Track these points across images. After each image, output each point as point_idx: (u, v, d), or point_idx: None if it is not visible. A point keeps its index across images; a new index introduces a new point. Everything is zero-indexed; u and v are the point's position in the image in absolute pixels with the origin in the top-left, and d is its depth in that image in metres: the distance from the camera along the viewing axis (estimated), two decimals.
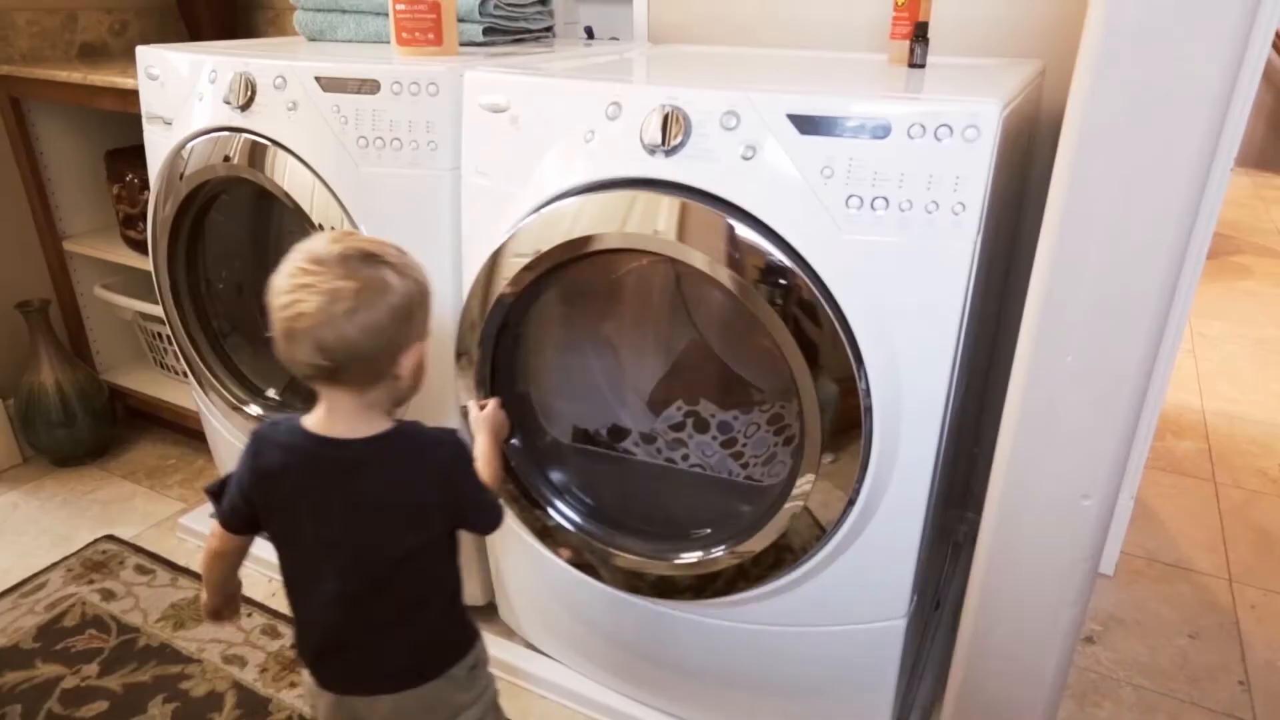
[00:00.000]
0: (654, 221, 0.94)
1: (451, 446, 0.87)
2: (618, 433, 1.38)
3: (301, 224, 1.23)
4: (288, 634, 1.44)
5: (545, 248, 1.01)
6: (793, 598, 1.05)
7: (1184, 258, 0.72)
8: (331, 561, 0.84)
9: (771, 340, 0.93)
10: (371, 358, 0.79)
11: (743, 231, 0.90)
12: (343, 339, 0.76)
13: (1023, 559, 0.86)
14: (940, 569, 1.46)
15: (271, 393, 1.47)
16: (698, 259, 0.93)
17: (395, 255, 0.81)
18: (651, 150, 0.93)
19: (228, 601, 0.96)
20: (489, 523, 0.90)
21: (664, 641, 1.21)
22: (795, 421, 0.97)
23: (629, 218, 0.95)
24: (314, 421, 0.83)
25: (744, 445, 1.37)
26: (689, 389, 1.46)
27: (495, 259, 1.06)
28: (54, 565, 1.60)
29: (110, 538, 1.67)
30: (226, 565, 0.93)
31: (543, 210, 1.01)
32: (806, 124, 0.86)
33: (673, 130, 0.91)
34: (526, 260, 1.03)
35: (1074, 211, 0.74)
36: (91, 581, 1.55)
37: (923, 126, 0.82)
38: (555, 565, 1.25)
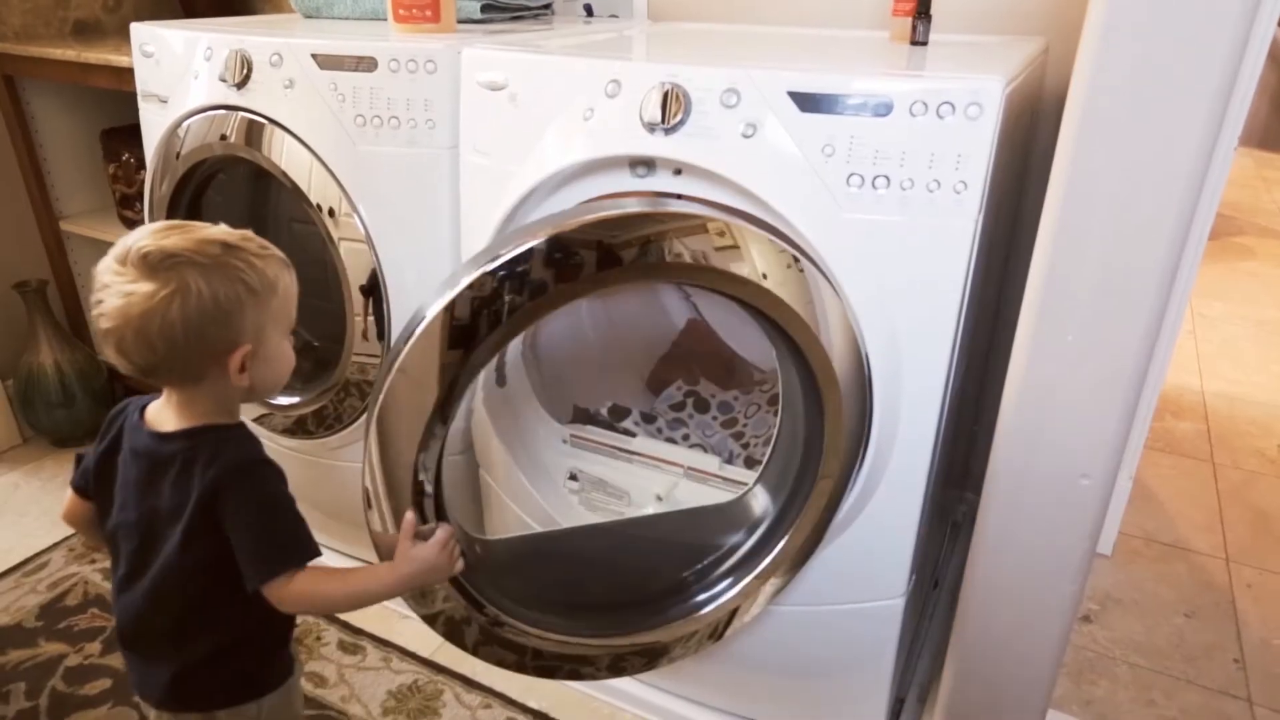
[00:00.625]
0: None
1: (229, 472, 0.78)
2: (618, 412, 1.38)
3: (299, 203, 1.22)
4: None
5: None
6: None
7: (1186, 237, 0.72)
8: (125, 555, 0.82)
9: (771, 320, 0.92)
10: (178, 362, 0.76)
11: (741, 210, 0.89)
12: (139, 344, 0.74)
13: (1022, 538, 0.86)
14: (939, 549, 1.46)
15: None
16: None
17: (212, 255, 0.76)
18: (651, 128, 0.92)
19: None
20: (250, 575, 0.78)
21: None
22: (794, 397, 0.97)
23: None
24: (154, 406, 0.83)
25: (744, 425, 1.37)
26: (689, 369, 1.46)
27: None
28: (55, 545, 1.60)
29: None
30: (80, 528, 0.90)
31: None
32: (807, 102, 0.85)
33: (672, 108, 0.90)
34: None
35: (1077, 190, 0.74)
36: (93, 561, 1.56)
37: (925, 104, 0.82)
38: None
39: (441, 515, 0.96)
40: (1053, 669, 0.92)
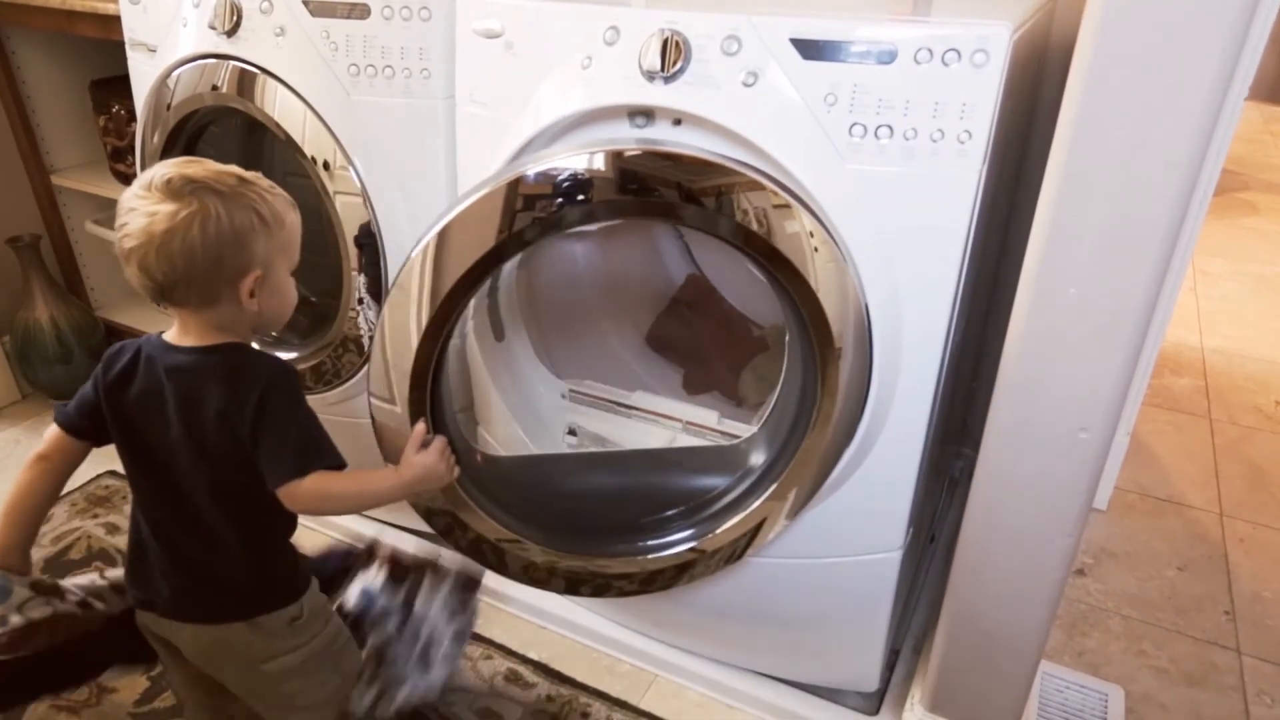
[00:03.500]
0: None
1: (267, 377, 0.84)
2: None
3: (293, 156, 1.21)
4: None
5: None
6: (791, 530, 1.06)
7: (1193, 190, 0.71)
8: (153, 469, 0.86)
9: (771, 270, 0.92)
10: (196, 280, 0.81)
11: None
12: (161, 260, 0.79)
13: (1019, 489, 0.86)
14: (935, 504, 1.47)
15: None
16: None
17: (230, 185, 0.81)
18: (650, 76, 0.90)
19: (20, 540, 0.89)
20: (273, 476, 0.83)
21: None
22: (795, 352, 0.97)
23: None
24: (170, 334, 0.86)
25: (738, 377, 1.37)
26: (688, 325, 1.46)
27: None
28: (58, 500, 1.61)
29: (112, 473, 1.68)
30: (46, 477, 0.89)
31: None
32: (810, 49, 0.84)
33: (672, 56, 0.88)
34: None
35: (1083, 140, 0.72)
36: (95, 516, 1.57)
37: (930, 51, 0.80)
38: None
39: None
40: (1047, 621, 0.93)
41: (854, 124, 0.84)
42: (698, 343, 1.45)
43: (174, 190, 0.79)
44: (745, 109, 0.86)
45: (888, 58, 0.81)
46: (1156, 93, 0.68)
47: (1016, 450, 0.85)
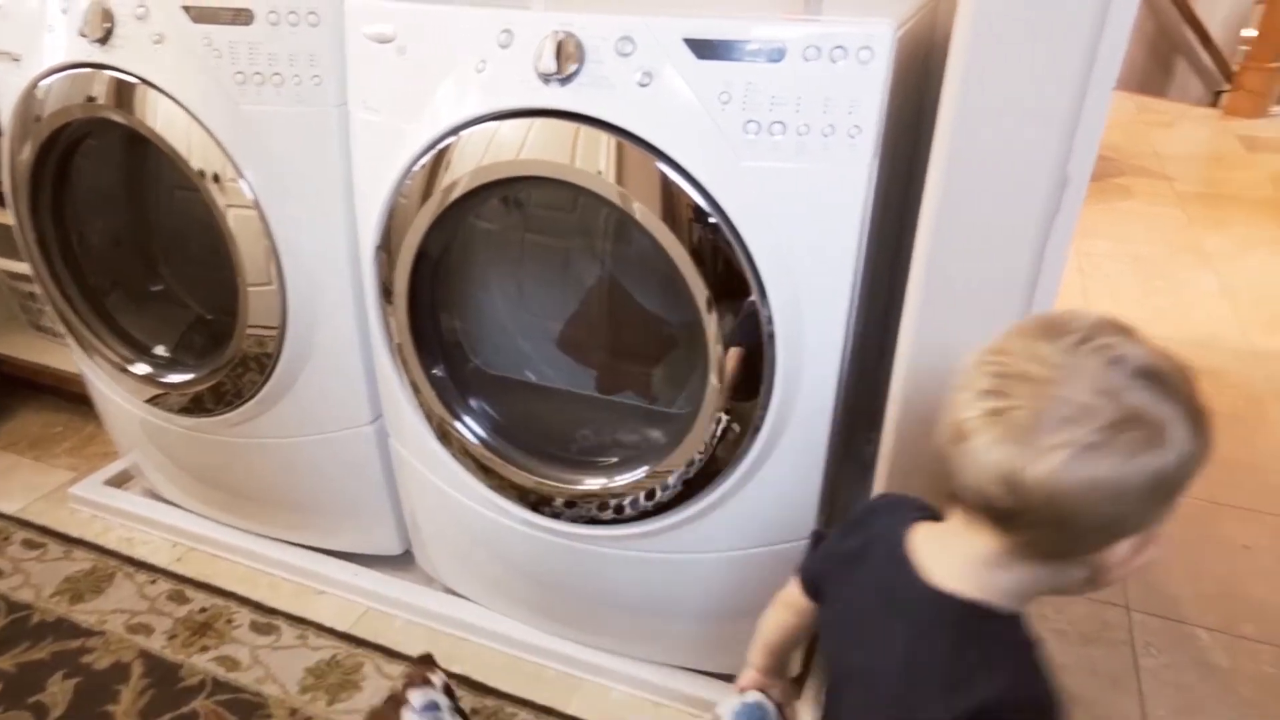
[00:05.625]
0: (556, 151, 0.92)
1: (1026, 707, 0.58)
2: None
3: (180, 170, 1.15)
4: (196, 598, 1.39)
5: (454, 177, 0.98)
6: (702, 525, 1.07)
7: (1063, 178, 0.74)
8: (846, 696, 0.67)
9: (675, 270, 0.93)
10: (1076, 527, 0.54)
11: (639, 159, 0.89)
12: (1050, 484, 0.52)
13: (920, 471, 0.90)
14: (850, 488, 1.51)
15: (161, 350, 1.40)
16: (598, 186, 0.92)
17: (1191, 390, 0.55)
18: (546, 79, 0.90)
19: (775, 675, 0.83)
20: None
21: (582, 576, 1.22)
22: (702, 351, 0.98)
23: (525, 147, 0.93)
24: (922, 540, 0.63)
25: (654, 374, 1.38)
26: (599, 326, 1.46)
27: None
28: None
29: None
30: (785, 623, 0.80)
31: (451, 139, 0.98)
32: (704, 48, 0.85)
33: (567, 57, 0.88)
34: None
35: (960, 134, 0.76)
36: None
37: (818, 49, 0.82)
38: (470, 508, 1.25)
39: None
40: None
41: (748, 121, 0.85)
42: (609, 343, 1.45)
43: (1117, 378, 0.54)
44: (641, 109, 0.87)
45: (778, 56, 0.83)
46: (1024, 86, 0.72)
47: (919, 428, 0.88)
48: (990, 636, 0.59)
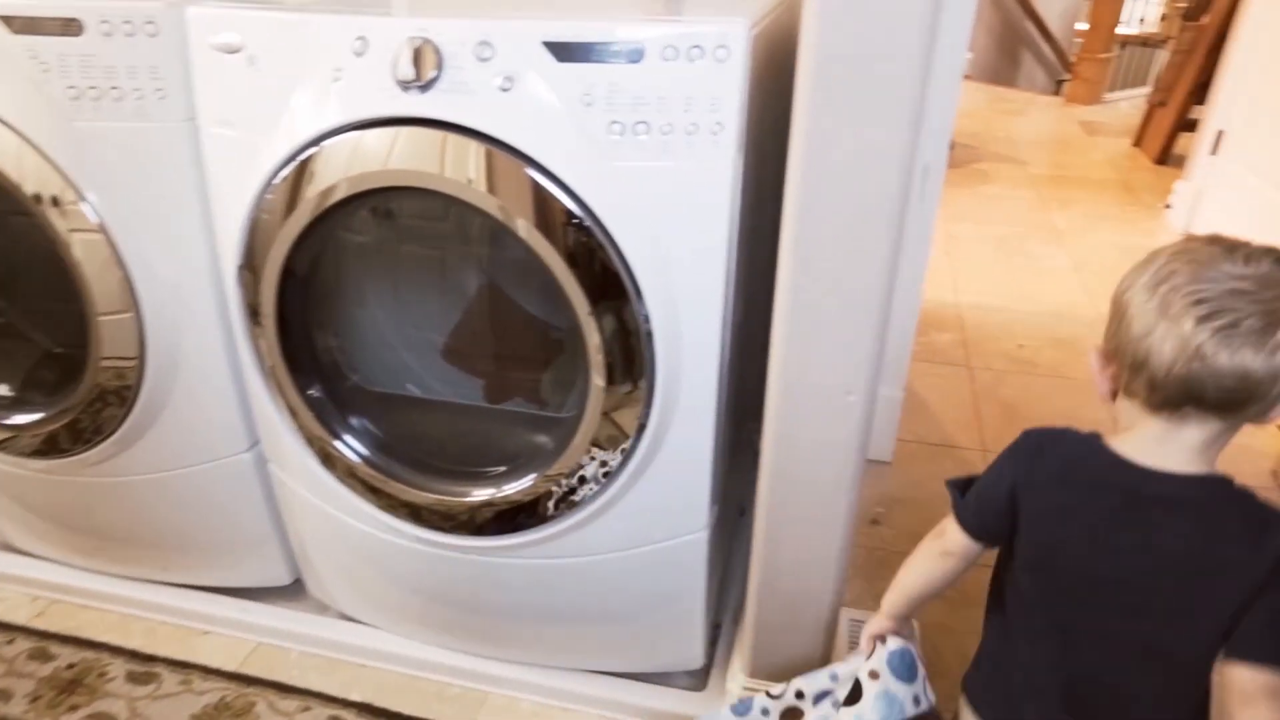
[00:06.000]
0: (424, 160, 0.90)
1: (1273, 515, 0.68)
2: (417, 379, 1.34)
3: (11, 196, 1.07)
4: (62, 653, 1.30)
5: (317, 190, 0.95)
6: (597, 527, 1.08)
7: (912, 164, 0.78)
8: (1085, 604, 0.72)
9: (551, 274, 0.93)
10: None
11: (507, 165, 0.88)
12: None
13: (801, 454, 0.93)
14: (743, 478, 1.55)
15: (3, 389, 1.30)
16: (469, 196, 0.91)
17: None
18: (405, 86, 0.88)
19: (905, 620, 0.87)
20: (1251, 649, 0.67)
21: (479, 588, 1.21)
22: (584, 353, 0.98)
23: (392, 156, 0.91)
24: (1130, 449, 0.70)
25: (542, 379, 1.37)
26: (484, 334, 1.44)
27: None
28: None
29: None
30: (944, 571, 0.83)
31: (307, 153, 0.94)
32: (563, 51, 0.85)
33: (425, 64, 0.86)
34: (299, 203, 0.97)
35: (814, 126, 0.78)
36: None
37: (675, 49, 0.83)
38: (360, 530, 1.21)
39: None
40: (840, 573, 1.01)
41: (613, 122, 0.86)
42: (495, 351, 1.43)
43: None
44: (505, 114, 0.87)
45: (637, 56, 0.84)
46: (868, 82, 0.75)
47: (793, 417, 0.91)
48: (1240, 497, 0.69)
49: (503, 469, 1.11)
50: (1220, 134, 2.89)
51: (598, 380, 0.97)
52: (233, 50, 0.95)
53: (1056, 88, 5.22)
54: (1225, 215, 2.65)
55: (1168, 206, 3.24)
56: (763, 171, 1.05)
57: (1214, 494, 0.69)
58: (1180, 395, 0.66)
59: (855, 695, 0.85)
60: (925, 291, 2.07)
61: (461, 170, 0.91)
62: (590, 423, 1.00)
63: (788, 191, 0.82)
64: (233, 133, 1.00)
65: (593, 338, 0.95)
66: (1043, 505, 0.74)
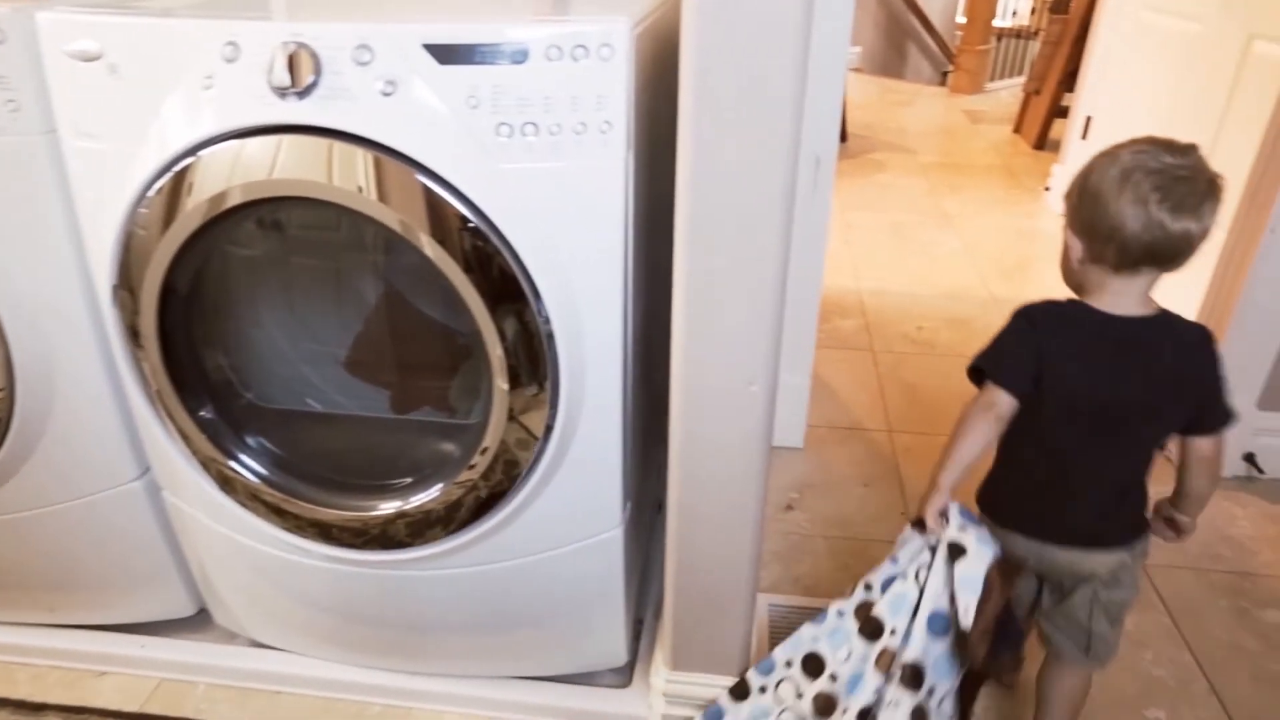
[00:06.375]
0: (311, 170, 0.88)
1: (1208, 339, 0.95)
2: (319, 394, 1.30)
3: None
4: None
5: (196, 202, 0.91)
6: (511, 532, 1.07)
7: (797, 159, 0.80)
8: (1111, 424, 0.94)
9: (449, 281, 0.91)
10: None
11: (396, 172, 0.86)
12: (1204, 233, 0.88)
13: (708, 447, 0.94)
14: (660, 473, 1.56)
15: None
16: (360, 205, 0.89)
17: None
18: (282, 93, 0.85)
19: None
20: (1223, 421, 0.96)
21: (393, 604, 1.18)
22: (486, 357, 0.97)
23: (277, 166, 0.88)
24: (1106, 304, 0.93)
25: (450, 386, 1.35)
26: (387, 343, 1.41)
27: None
28: None
29: None
30: (994, 434, 0.97)
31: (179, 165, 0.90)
32: (445, 53, 0.84)
33: (302, 70, 0.84)
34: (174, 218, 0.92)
35: (701, 118, 0.79)
36: None
37: (559, 48, 0.83)
38: (266, 553, 1.17)
39: None
40: (754, 561, 1.02)
41: (500, 124, 0.85)
42: (400, 361, 1.40)
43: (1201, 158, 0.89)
44: (390, 120, 0.85)
45: (520, 57, 0.83)
46: (749, 78, 0.76)
47: (699, 410, 0.92)
48: (1178, 323, 0.95)
49: (409, 480, 1.09)
50: (1089, 119, 3.06)
51: (501, 384, 0.96)
52: (90, 58, 0.90)
53: (941, 79, 5.44)
54: None
55: (1047, 189, 3.41)
56: (659, 168, 1.06)
57: (1166, 326, 0.94)
58: (1142, 257, 0.89)
59: (956, 552, 0.95)
60: (827, 279, 2.13)
61: (350, 179, 0.89)
62: (497, 427, 0.99)
63: (679, 188, 0.83)
64: (98, 145, 0.94)
65: (494, 342, 0.94)
66: (1061, 354, 0.95)
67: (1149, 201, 0.86)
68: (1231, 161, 2.15)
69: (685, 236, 0.84)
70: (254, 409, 1.17)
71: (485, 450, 1.02)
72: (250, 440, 1.14)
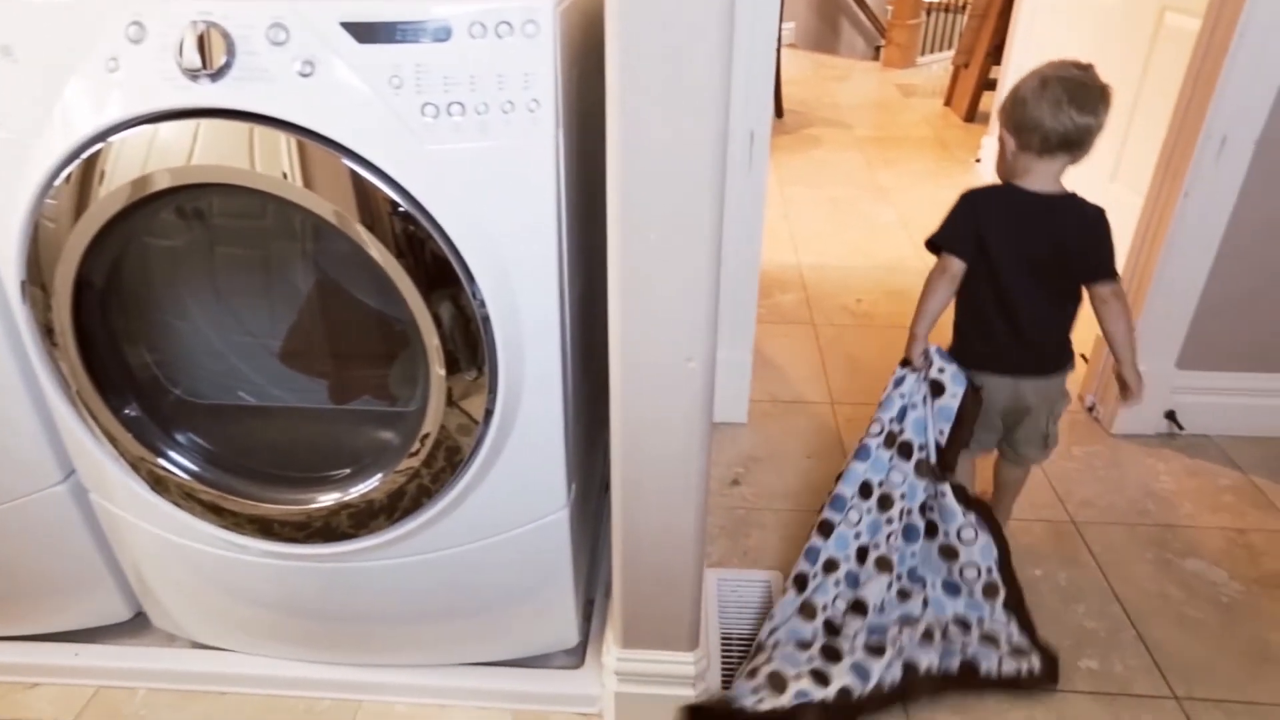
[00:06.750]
0: (232, 155, 0.85)
1: (1103, 215, 1.23)
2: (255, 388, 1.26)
3: None
4: None
5: (109, 190, 0.87)
6: (456, 518, 1.06)
7: (725, 130, 0.80)
8: (1039, 278, 1.24)
9: (380, 266, 0.89)
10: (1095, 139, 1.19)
11: (322, 156, 0.84)
12: (1101, 126, 1.18)
13: (649, 424, 0.94)
14: (605, 454, 1.56)
15: None
16: (286, 191, 0.86)
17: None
18: (194, 75, 0.82)
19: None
20: (1111, 275, 1.25)
21: (338, 596, 1.16)
22: (422, 343, 0.95)
23: (196, 152, 0.85)
24: (1030, 183, 1.22)
25: (388, 373, 1.32)
26: (322, 333, 1.37)
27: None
28: None
29: None
30: (952, 291, 1.28)
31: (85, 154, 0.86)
32: (364, 32, 0.81)
33: (213, 50, 0.80)
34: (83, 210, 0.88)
35: (627, 93, 0.78)
36: None
37: (483, 25, 0.81)
38: (202, 551, 1.14)
39: None
40: (699, 537, 1.03)
41: (425, 104, 0.83)
42: (336, 350, 1.37)
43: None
44: (307, 100, 0.82)
45: (443, 35, 0.81)
46: (675, 54, 0.76)
47: (638, 388, 0.92)
48: (1080, 201, 1.24)
49: (348, 471, 1.07)
50: None
51: (438, 370, 0.95)
52: None
53: (874, 53, 5.49)
54: None
55: (978, 160, 3.48)
56: (594, 146, 1.04)
57: (1073, 202, 1.23)
58: (1059, 144, 1.18)
59: (938, 389, 1.29)
60: (767, 255, 2.13)
61: (274, 164, 0.86)
62: (437, 414, 0.98)
63: (609, 166, 0.82)
64: None
65: (429, 327, 0.92)
66: (995, 224, 1.24)
67: (1062, 102, 1.16)
68: (1148, 128, 2.22)
69: (617, 213, 0.83)
70: (184, 405, 1.13)
71: (426, 437, 1.01)
72: (181, 437, 1.10)
